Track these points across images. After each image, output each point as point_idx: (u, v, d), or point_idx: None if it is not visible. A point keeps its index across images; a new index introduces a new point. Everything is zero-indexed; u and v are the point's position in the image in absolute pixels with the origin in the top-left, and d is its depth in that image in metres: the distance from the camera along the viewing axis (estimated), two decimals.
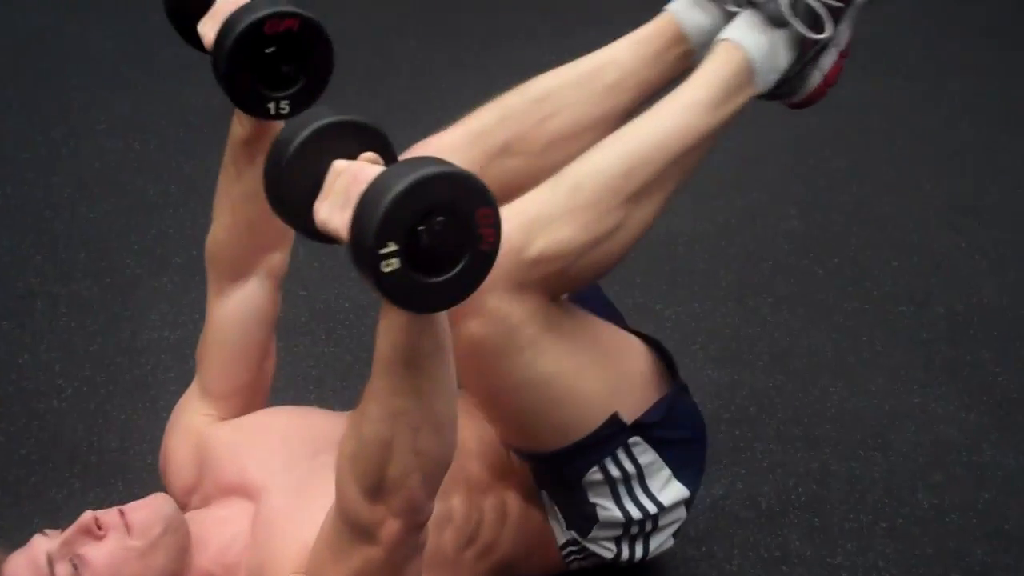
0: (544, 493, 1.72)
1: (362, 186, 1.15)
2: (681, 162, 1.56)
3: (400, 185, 1.10)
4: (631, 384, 1.63)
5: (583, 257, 1.50)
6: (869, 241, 2.77)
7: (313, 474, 1.57)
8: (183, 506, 1.69)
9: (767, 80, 1.63)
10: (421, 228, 1.11)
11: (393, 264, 1.11)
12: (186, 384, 1.76)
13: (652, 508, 1.66)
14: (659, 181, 1.54)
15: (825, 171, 3.06)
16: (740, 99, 1.61)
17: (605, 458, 1.60)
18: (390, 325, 1.22)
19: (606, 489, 1.63)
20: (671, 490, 1.68)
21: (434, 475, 1.33)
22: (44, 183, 2.83)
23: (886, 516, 2.03)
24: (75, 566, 1.46)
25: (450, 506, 1.62)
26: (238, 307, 1.68)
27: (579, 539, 1.70)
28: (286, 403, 1.79)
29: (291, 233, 1.66)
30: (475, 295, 1.20)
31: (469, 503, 1.66)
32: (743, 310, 2.54)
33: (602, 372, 1.59)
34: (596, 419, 1.58)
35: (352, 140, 1.24)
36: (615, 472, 1.62)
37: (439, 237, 1.11)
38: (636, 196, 1.53)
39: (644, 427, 1.61)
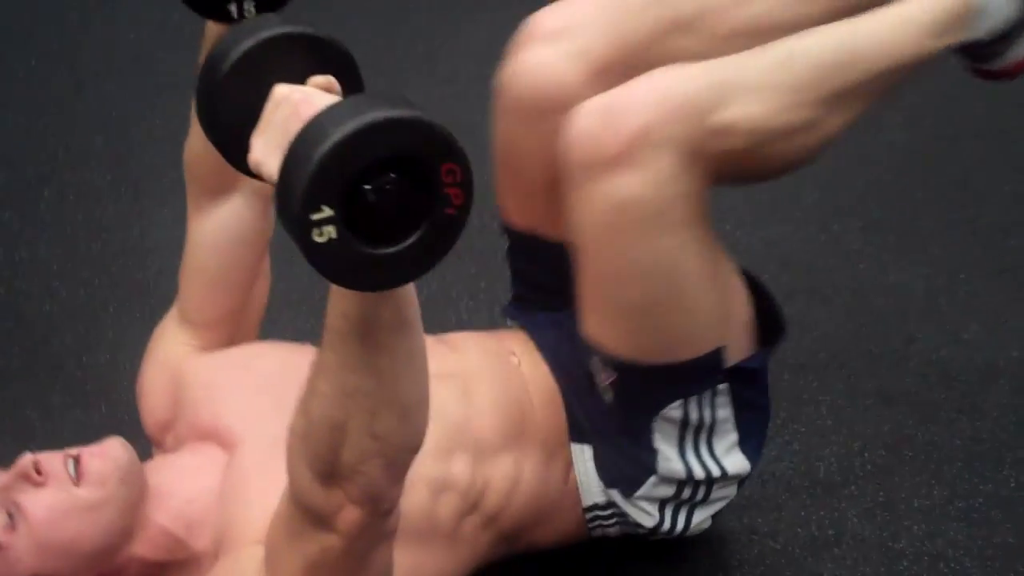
0: (578, 448, 1.52)
1: (299, 125, 0.92)
2: (883, 79, 1.40)
3: (339, 133, 0.87)
4: (738, 325, 1.46)
5: (767, 145, 1.34)
6: (984, 160, 2.41)
7: None
8: (158, 443, 1.53)
9: (983, 27, 1.44)
10: (367, 187, 0.89)
11: (328, 232, 0.89)
12: None
13: (715, 470, 1.49)
14: (860, 89, 1.38)
15: (942, 72, 2.68)
16: (951, 37, 1.43)
17: (692, 396, 1.43)
18: (340, 291, 1.01)
19: (675, 433, 1.46)
20: (733, 459, 1.50)
21: (398, 461, 1.14)
22: (70, 56, 2.63)
23: (963, 494, 1.75)
24: (11, 515, 1.30)
25: (450, 470, 1.43)
26: (219, 226, 1.48)
27: (621, 499, 1.51)
28: (291, 328, 1.58)
29: None
30: (644, 144, 1.15)
31: (473, 467, 1.46)
32: (826, 236, 2.23)
33: (722, 298, 1.43)
34: (704, 344, 1.41)
35: (306, 59, 1.02)
36: (693, 415, 1.45)
37: (390, 198, 0.90)
38: (837, 97, 1.36)
39: (737, 376, 1.44)
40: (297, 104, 0.97)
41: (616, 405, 1.46)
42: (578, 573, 1.68)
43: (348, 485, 1.11)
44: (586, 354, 1.46)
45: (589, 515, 1.56)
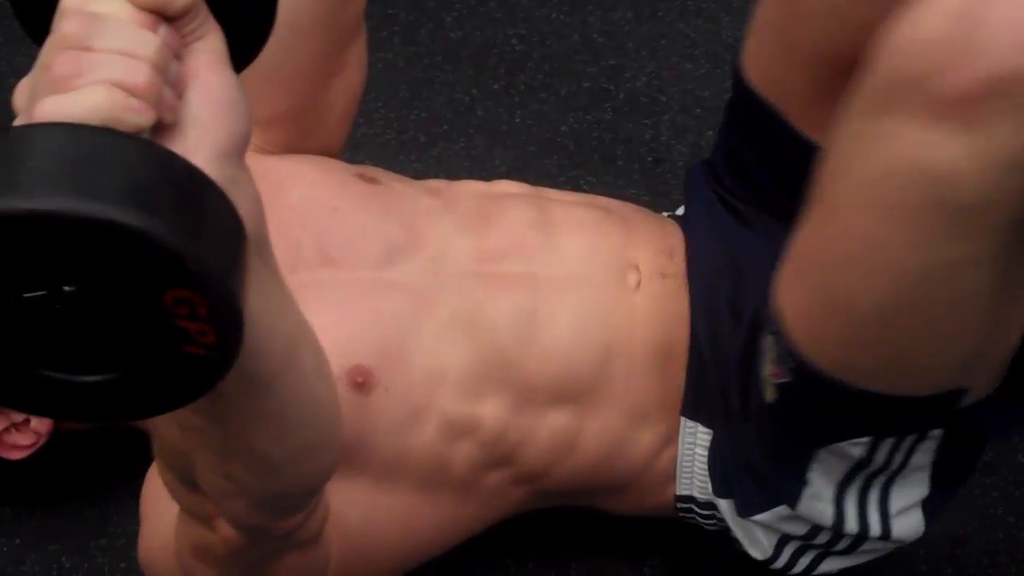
0: (691, 427, 1.12)
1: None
2: None
3: None
4: (990, 362, 0.95)
5: None
6: None
7: (305, 291, 1.00)
8: None
9: None
10: (36, 295, 0.55)
11: None
12: None
13: (876, 528, 1.05)
14: None
15: None
16: None
17: (889, 436, 0.98)
18: None
19: (842, 470, 1.02)
20: (907, 520, 1.06)
21: (274, 505, 0.84)
22: None
23: None
24: None
25: (477, 412, 1.06)
26: None
27: (730, 514, 1.11)
28: None
29: None
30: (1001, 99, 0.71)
31: (511, 415, 1.07)
32: None
33: (990, 330, 0.90)
34: (939, 380, 0.92)
35: None
36: (880, 457, 1.00)
37: (81, 315, 0.56)
38: None
39: (964, 422, 0.98)
40: (51, 64, 0.58)
41: (776, 412, 1.00)
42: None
43: (216, 505, 0.83)
44: (762, 321, 1.00)
45: (681, 505, 1.16)
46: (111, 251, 0.53)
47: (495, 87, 1.71)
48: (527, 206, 1.15)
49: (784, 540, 1.10)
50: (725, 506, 1.11)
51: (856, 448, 0.98)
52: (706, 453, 1.11)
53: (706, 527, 1.18)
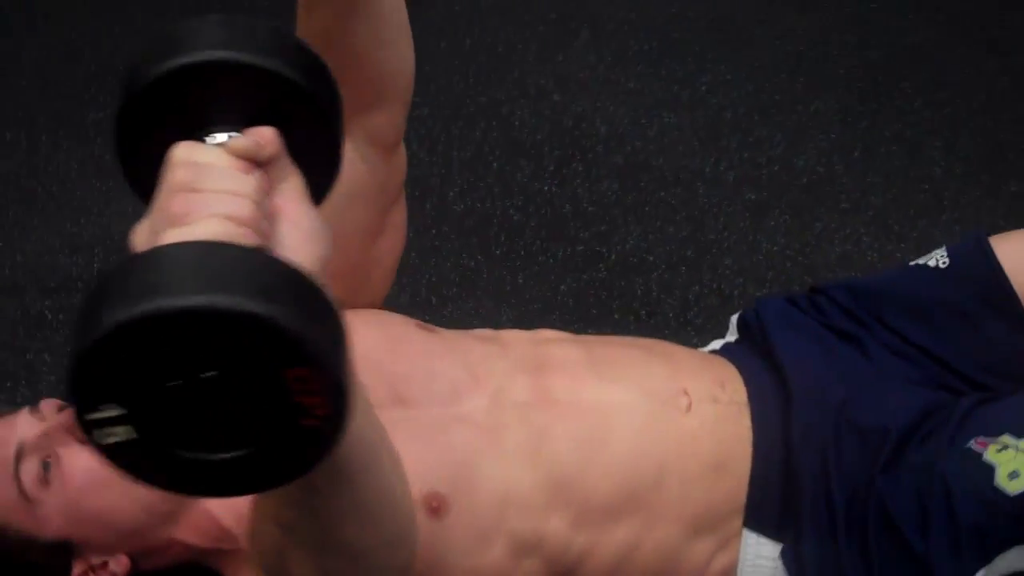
0: (752, 538, 1.21)
1: (139, 251, 0.71)
2: None
3: (123, 312, 0.63)
4: None
5: None
6: None
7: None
8: None
9: None
10: (172, 385, 0.65)
11: (119, 433, 0.67)
12: None
13: None
14: None
15: None
16: None
17: None
18: None
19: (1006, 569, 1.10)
20: None
21: None
22: None
23: None
24: (45, 467, 1.16)
25: (543, 530, 1.16)
26: None
27: None
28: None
29: (404, 82, 1.20)
30: None
31: (572, 530, 1.17)
32: None
33: None
34: None
35: (258, 94, 0.77)
36: None
37: (209, 402, 0.66)
38: None
39: None
40: (167, 206, 0.72)
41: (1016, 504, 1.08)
42: None
43: None
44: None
45: None
46: (243, 338, 0.64)
47: (497, 252, 1.87)
48: (573, 346, 1.28)
49: None
50: None
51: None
52: (772, 563, 1.19)
53: None
